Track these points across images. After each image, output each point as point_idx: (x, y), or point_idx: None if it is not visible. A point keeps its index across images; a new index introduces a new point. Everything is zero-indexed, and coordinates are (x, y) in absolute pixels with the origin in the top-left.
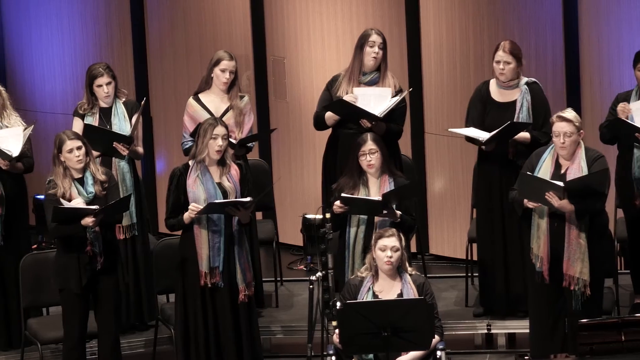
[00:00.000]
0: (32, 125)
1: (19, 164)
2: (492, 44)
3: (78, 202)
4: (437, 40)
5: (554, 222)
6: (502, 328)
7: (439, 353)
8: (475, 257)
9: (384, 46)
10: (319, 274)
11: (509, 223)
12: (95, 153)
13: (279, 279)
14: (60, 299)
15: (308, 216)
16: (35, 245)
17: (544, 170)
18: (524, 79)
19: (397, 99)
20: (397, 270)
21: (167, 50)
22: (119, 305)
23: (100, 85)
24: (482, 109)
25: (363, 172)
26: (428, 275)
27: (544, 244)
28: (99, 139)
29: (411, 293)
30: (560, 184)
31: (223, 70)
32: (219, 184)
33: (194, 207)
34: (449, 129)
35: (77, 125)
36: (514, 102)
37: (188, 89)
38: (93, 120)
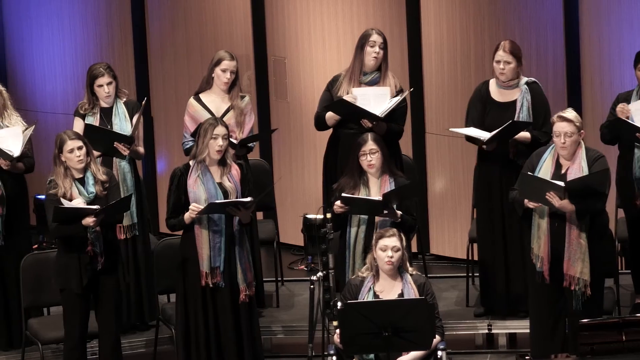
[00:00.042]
0: (34, 126)
1: (19, 164)
2: (492, 44)
3: (78, 202)
4: (438, 40)
5: (554, 222)
6: (503, 328)
7: (439, 353)
8: (476, 257)
9: (384, 46)
10: (319, 274)
11: (509, 223)
12: (96, 153)
13: (279, 279)
14: (61, 299)
15: (309, 216)
16: (36, 245)
17: (545, 170)
18: (524, 79)
19: (398, 99)
20: (398, 270)
21: (168, 50)
22: (119, 305)
23: (101, 85)
24: (482, 109)
25: (363, 172)
26: (429, 275)
27: (545, 244)
28: (100, 139)
29: (412, 293)
30: (561, 184)
31: (224, 70)
32: (220, 184)
33: (195, 207)
34: (450, 129)
35: (78, 125)
36: (514, 102)
37: (189, 89)
38: (94, 120)
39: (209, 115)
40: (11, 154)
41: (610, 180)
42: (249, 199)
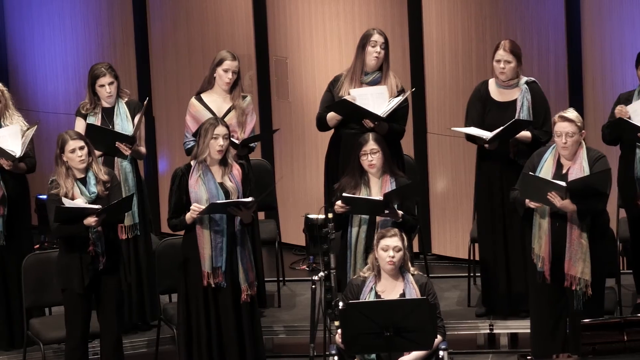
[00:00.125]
0: (35, 126)
1: (21, 164)
2: (494, 43)
3: (79, 202)
4: (440, 40)
5: (555, 222)
6: (505, 328)
7: (441, 353)
8: (477, 257)
9: (385, 46)
10: (321, 273)
11: (510, 223)
12: (97, 153)
13: (281, 279)
14: (63, 299)
15: (310, 216)
16: (37, 245)
17: (546, 170)
18: (524, 78)
19: (400, 99)
20: (400, 270)
21: (170, 50)
22: (121, 305)
23: (102, 85)
24: (482, 108)
25: (364, 171)
26: (430, 275)
27: (546, 244)
28: (102, 139)
29: (413, 293)
30: (563, 184)
31: (226, 71)
32: (221, 184)
33: (196, 208)
34: (452, 128)
35: (80, 125)
36: (513, 102)
37: (190, 89)
38: (95, 120)
39: (210, 115)
40: (14, 154)
41: (611, 180)
42: (250, 199)
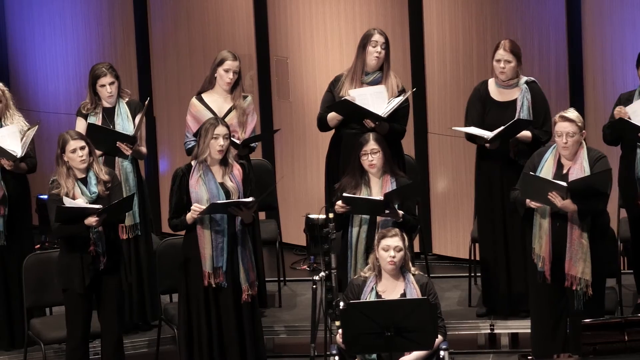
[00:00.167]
0: (36, 126)
1: (22, 164)
2: (495, 44)
3: (80, 202)
4: (440, 40)
5: (556, 222)
6: (505, 328)
7: (442, 353)
8: (478, 257)
9: (386, 46)
10: (322, 273)
11: (510, 222)
12: (98, 152)
13: (282, 279)
14: (64, 299)
15: (311, 216)
16: (38, 245)
17: (546, 170)
18: (524, 78)
19: (401, 99)
20: (400, 270)
21: (171, 50)
22: (122, 305)
23: (103, 85)
24: (482, 108)
25: (365, 171)
26: (431, 275)
27: (546, 243)
28: (103, 139)
29: (414, 293)
30: (564, 184)
31: (227, 71)
32: (222, 184)
33: (197, 208)
34: (453, 128)
35: (80, 125)
36: (513, 101)
37: (191, 89)
38: (96, 120)
39: (211, 115)
40: (15, 154)
41: (612, 180)
42: (250, 199)
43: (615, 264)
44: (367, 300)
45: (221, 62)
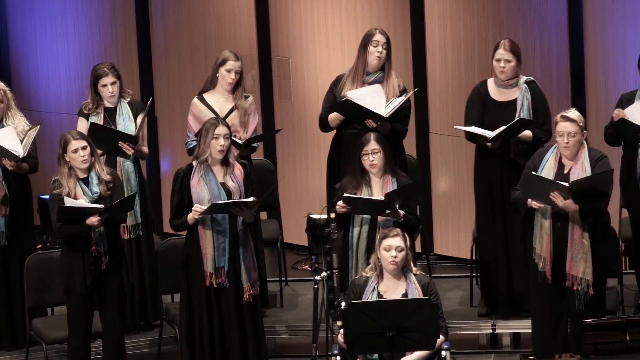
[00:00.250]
0: (38, 126)
1: (24, 164)
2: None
3: (81, 202)
4: (442, 40)
5: (557, 222)
6: (507, 328)
7: (443, 353)
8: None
9: (387, 46)
10: (323, 273)
11: (510, 222)
12: (99, 152)
13: (283, 278)
14: (65, 299)
15: (313, 216)
16: (39, 245)
17: (547, 170)
18: (523, 78)
19: (402, 98)
20: (402, 270)
21: (172, 50)
22: (123, 305)
23: (105, 85)
24: (482, 108)
25: (366, 172)
26: (433, 275)
27: (547, 243)
28: (105, 138)
29: (416, 293)
30: (566, 184)
31: (229, 71)
32: (223, 184)
33: (198, 208)
34: (455, 127)
35: (82, 125)
36: (513, 101)
37: (193, 88)
38: (98, 120)
39: (212, 115)
40: (17, 154)
41: (612, 180)
42: (251, 199)
43: (616, 264)
44: (369, 300)
45: (223, 62)
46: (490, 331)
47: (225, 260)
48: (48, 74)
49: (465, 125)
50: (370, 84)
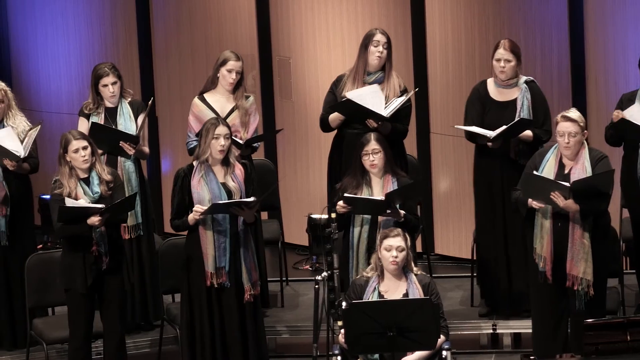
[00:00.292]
0: (39, 126)
1: (25, 164)
2: None
3: (82, 202)
4: (443, 40)
5: (557, 222)
6: (508, 328)
7: (444, 353)
8: None
9: (388, 46)
10: (324, 273)
11: (510, 221)
12: (100, 152)
13: (284, 278)
14: (66, 298)
15: (313, 216)
16: (40, 245)
17: (548, 170)
18: (523, 78)
19: (403, 98)
20: (403, 270)
21: (173, 50)
22: (124, 305)
23: (105, 85)
24: (481, 108)
25: (366, 171)
26: (433, 275)
27: (548, 244)
28: (106, 138)
29: (417, 293)
30: (567, 184)
31: (230, 71)
32: (224, 184)
33: (198, 209)
34: (456, 126)
35: (83, 125)
36: (513, 101)
37: (193, 88)
38: (98, 120)
39: (213, 115)
40: (18, 154)
41: (613, 180)
42: (252, 198)
43: (616, 264)
44: (370, 300)
45: (224, 63)
46: (491, 331)
47: (226, 260)
48: (49, 74)
49: (464, 125)
50: (371, 84)
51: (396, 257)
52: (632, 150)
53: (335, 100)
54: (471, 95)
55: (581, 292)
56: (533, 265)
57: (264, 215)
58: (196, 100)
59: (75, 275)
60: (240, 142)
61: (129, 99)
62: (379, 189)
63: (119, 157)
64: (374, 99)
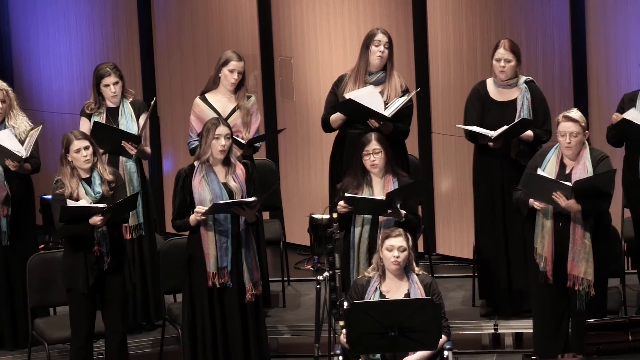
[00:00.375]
0: (40, 126)
1: (27, 164)
2: None
3: (83, 202)
4: (444, 40)
5: (558, 222)
6: (509, 328)
7: (446, 353)
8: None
9: (389, 45)
10: (326, 273)
11: (510, 221)
12: (101, 152)
13: (286, 278)
14: (68, 298)
15: (315, 216)
16: (42, 245)
17: (549, 170)
18: (522, 78)
19: (405, 98)
20: (404, 270)
21: (174, 50)
22: (126, 305)
23: (107, 85)
24: (481, 108)
25: (367, 171)
26: (435, 275)
27: (549, 244)
28: (108, 138)
29: (418, 293)
30: (569, 184)
31: (231, 71)
32: (225, 184)
33: (200, 210)
34: (457, 125)
35: (84, 125)
36: (513, 101)
37: (195, 88)
38: (100, 120)
39: (214, 115)
40: (20, 155)
41: (614, 180)
42: (253, 198)
43: (617, 264)
44: (371, 300)
45: (226, 63)
46: (493, 331)
47: (228, 260)
48: (50, 74)
49: (464, 125)
50: (372, 84)
51: (398, 257)
52: (634, 151)
53: (336, 100)
54: (471, 95)
55: (582, 293)
56: (534, 265)
57: (266, 215)
58: (198, 100)
59: (77, 275)
60: (243, 142)
61: (131, 99)
62: (379, 188)
63: (120, 157)
64: (372, 99)
